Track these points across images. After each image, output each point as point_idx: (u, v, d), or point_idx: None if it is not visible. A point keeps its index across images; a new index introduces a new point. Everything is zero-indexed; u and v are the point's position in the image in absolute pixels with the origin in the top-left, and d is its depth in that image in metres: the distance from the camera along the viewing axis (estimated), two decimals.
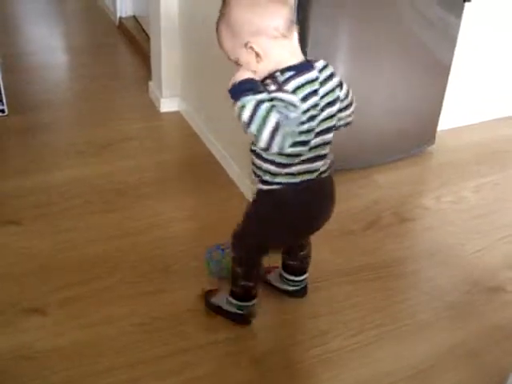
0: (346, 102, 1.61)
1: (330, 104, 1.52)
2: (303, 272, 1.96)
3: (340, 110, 1.59)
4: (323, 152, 1.57)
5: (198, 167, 2.73)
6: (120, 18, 4.14)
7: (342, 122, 1.64)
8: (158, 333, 1.84)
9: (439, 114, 2.81)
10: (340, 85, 1.56)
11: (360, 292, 2.05)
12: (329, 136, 1.56)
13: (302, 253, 1.91)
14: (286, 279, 1.97)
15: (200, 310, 1.93)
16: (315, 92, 1.46)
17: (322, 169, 1.60)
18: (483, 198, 2.60)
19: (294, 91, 1.42)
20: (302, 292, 2.00)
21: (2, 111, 2.96)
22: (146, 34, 3.65)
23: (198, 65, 2.88)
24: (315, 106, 1.47)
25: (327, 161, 1.61)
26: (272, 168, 1.54)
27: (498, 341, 1.89)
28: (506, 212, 2.53)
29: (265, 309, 1.97)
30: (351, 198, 2.53)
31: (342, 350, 1.82)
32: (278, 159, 1.52)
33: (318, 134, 1.52)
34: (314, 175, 1.58)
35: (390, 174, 2.71)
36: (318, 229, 1.74)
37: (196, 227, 2.33)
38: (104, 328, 1.85)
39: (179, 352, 1.78)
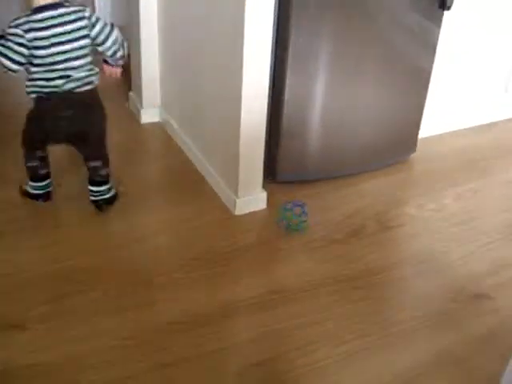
0: (100, 38, 2.18)
1: (71, 41, 2.09)
2: (93, 182, 2.37)
3: (97, 45, 2.19)
4: (66, 74, 2.12)
5: (179, 178, 2.71)
6: None
7: (108, 53, 2.24)
8: (142, 347, 1.82)
9: (420, 122, 2.83)
10: (90, 27, 2.14)
11: (344, 301, 2.04)
12: (73, 64, 2.12)
13: (89, 163, 2.36)
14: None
15: (185, 322, 1.92)
16: (46, 28, 2.04)
17: (67, 87, 2.14)
18: (464, 206, 2.62)
19: (16, 26, 2.02)
20: (99, 204, 2.39)
21: None
22: None
23: (178, 75, 2.87)
24: (42, 38, 2.04)
25: (77, 82, 2.16)
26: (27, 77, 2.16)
27: (483, 348, 1.90)
28: (487, 219, 2.55)
29: (249, 320, 1.96)
30: (334, 207, 2.53)
31: (326, 361, 1.81)
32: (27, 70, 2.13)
33: (61, 62, 2.09)
34: (58, 90, 2.14)
35: (372, 182, 2.72)
36: (67, 133, 2.25)
37: (178, 239, 2.32)
38: (87, 343, 1.82)
39: (164, 365, 1.76)
